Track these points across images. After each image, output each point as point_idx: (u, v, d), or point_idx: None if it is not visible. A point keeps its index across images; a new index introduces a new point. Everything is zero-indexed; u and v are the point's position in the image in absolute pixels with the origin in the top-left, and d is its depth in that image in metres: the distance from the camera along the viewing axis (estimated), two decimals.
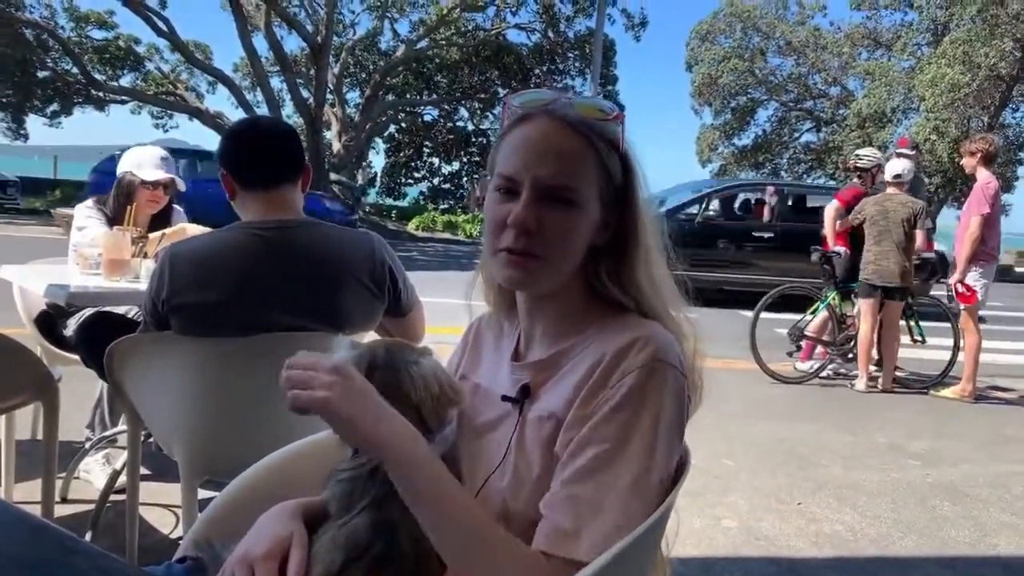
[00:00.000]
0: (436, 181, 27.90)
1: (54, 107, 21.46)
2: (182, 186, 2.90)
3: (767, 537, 2.69)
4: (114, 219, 2.76)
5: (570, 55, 24.72)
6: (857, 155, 5.91)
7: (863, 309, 5.28)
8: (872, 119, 22.22)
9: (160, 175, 2.79)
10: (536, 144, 0.94)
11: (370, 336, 1.83)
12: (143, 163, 2.79)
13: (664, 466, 0.87)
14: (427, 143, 27.58)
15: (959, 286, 4.99)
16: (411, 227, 19.58)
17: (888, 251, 5.15)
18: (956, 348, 5.46)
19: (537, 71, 24.26)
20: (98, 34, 22.06)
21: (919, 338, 5.58)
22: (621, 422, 0.86)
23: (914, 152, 5.79)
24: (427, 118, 27.04)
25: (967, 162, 5.16)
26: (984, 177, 4.97)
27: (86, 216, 2.78)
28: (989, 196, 4.89)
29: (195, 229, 2.80)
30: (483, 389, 1.06)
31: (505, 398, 1.00)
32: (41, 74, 20.42)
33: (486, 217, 0.96)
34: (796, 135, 28.96)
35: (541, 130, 0.94)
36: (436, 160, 28.01)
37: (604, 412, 0.87)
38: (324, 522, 0.93)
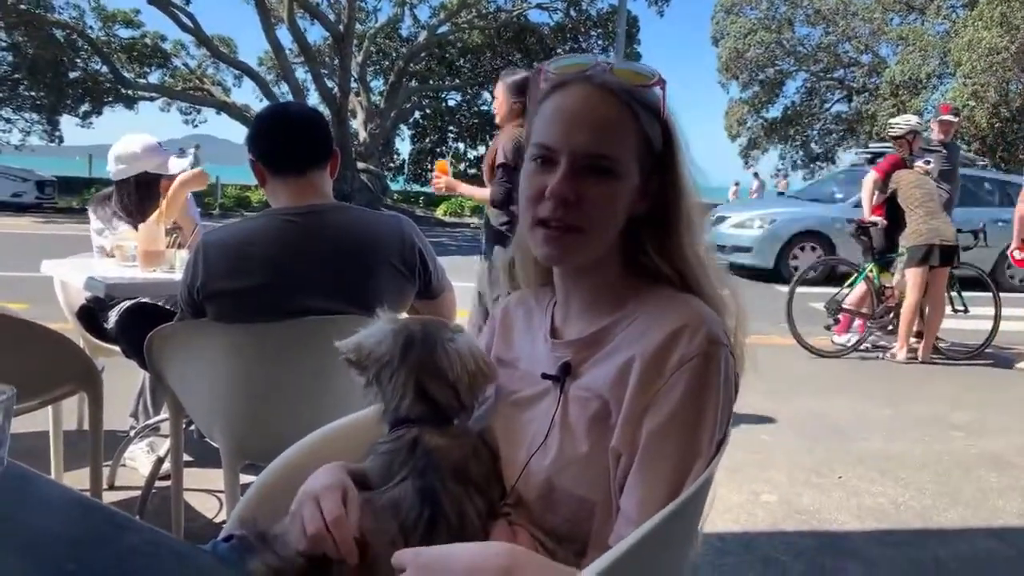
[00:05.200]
0: (462, 167, 27.85)
1: (85, 107, 21.80)
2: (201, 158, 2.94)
3: (808, 511, 2.66)
4: (142, 214, 2.78)
5: (593, 33, 24.42)
6: (890, 124, 5.81)
7: (912, 279, 5.14)
8: (906, 86, 21.60)
9: (179, 164, 2.81)
10: (575, 112, 0.90)
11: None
12: (155, 158, 2.80)
13: (714, 442, 0.87)
14: (452, 128, 27.54)
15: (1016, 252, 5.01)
16: (439, 213, 19.58)
17: (936, 211, 5.08)
18: (997, 319, 5.35)
19: (559, 51, 24.03)
20: (125, 32, 22.32)
21: (961, 308, 5.46)
22: (685, 418, 0.84)
23: (956, 119, 5.69)
24: (451, 103, 26.98)
25: None
26: None
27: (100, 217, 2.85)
28: None
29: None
30: (520, 369, 1.05)
31: (546, 376, 0.98)
32: (72, 75, 20.74)
33: (522, 188, 0.94)
34: (827, 106, 28.28)
35: (580, 97, 0.91)
36: (461, 145, 27.96)
37: (666, 404, 0.85)
38: (365, 491, 0.93)
